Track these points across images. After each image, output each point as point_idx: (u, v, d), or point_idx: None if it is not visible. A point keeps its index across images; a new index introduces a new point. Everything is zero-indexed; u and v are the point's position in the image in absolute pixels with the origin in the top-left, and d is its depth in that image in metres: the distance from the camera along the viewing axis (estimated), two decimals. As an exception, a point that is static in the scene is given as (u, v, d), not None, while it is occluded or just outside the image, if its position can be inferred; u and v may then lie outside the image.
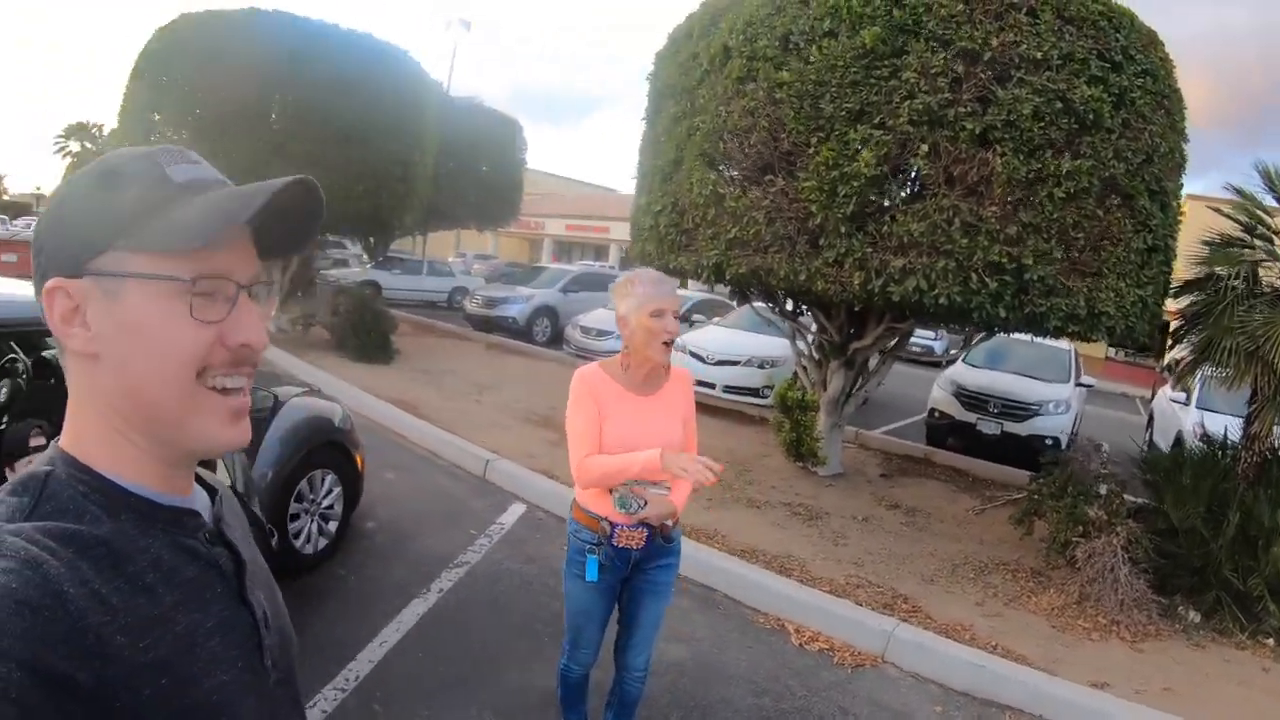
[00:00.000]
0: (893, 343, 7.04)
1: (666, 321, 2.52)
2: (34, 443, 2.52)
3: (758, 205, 5.54)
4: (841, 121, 5.08)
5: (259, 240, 0.81)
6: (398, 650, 3.73)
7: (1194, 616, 4.88)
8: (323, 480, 4.58)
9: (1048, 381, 10.07)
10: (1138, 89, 5.15)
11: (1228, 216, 5.90)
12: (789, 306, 7.39)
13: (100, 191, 0.73)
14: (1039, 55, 4.81)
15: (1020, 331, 6.20)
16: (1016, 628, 4.58)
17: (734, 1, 5.95)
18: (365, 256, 18.52)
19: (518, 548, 5.09)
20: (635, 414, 2.54)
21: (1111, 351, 24.13)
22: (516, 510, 5.75)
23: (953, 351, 15.35)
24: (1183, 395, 9.96)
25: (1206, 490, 5.22)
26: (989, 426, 9.44)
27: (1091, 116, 4.92)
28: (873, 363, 7.32)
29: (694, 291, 15.78)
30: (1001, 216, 4.84)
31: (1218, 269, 5.76)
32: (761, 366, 10.38)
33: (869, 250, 5.12)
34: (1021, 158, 4.81)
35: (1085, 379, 10.76)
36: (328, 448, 4.62)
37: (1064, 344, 10.15)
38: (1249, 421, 5.60)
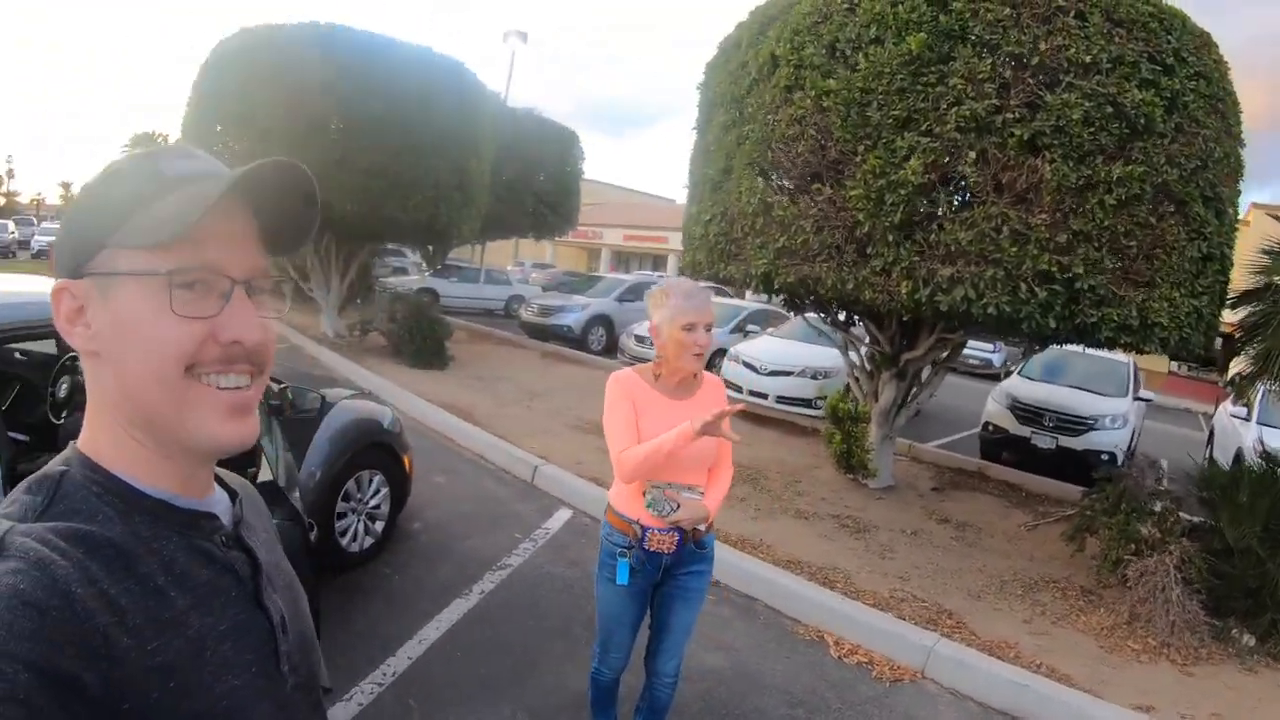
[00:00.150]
0: (944, 354, 6.92)
1: (698, 335, 2.55)
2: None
3: (806, 214, 5.51)
4: (888, 129, 5.03)
5: (265, 236, 0.80)
6: (436, 648, 3.79)
7: (1248, 640, 4.67)
8: (370, 481, 4.67)
9: (1105, 395, 9.82)
10: (1190, 92, 4.98)
11: (1290, 224, 5.70)
12: (841, 317, 7.33)
13: (100, 192, 0.74)
14: (1088, 59, 4.69)
15: (1071, 343, 6.03)
16: (1063, 647, 4.45)
17: (782, 10, 5.93)
18: (424, 265, 18.84)
19: (561, 552, 5.13)
20: (669, 416, 2.56)
21: (1174, 366, 23.27)
22: (562, 515, 5.80)
23: (1010, 365, 15.04)
24: (1243, 410, 9.59)
25: (1264, 509, 4.99)
26: (1044, 441, 9.24)
27: (1143, 121, 4.78)
28: (925, 374, 7.21)
29: (749, 302, 15.73)
30: (1051, 224, 4.72)
31: (1277, 278, 5.55)
32: (814, 377, 10.30)
33: (916, 259, 5.05)
34: (1071, 164, 4.70)
35: (1144, 393, 10.46)
36: (376, 449, 4.71)
37: (1122, 357, 9.89)
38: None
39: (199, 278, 0.72)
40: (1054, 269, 4.77)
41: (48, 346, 3.60)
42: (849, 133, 5.18)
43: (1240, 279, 5.98)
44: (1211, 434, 12.10)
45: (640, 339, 13.69)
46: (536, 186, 18.06)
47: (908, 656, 4.16)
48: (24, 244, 30.63)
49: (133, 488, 0.74)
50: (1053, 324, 4.87)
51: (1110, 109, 4.72)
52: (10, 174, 70.06)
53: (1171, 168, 4.92)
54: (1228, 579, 4.88)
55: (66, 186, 66.95)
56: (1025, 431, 9.38)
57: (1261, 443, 6.88)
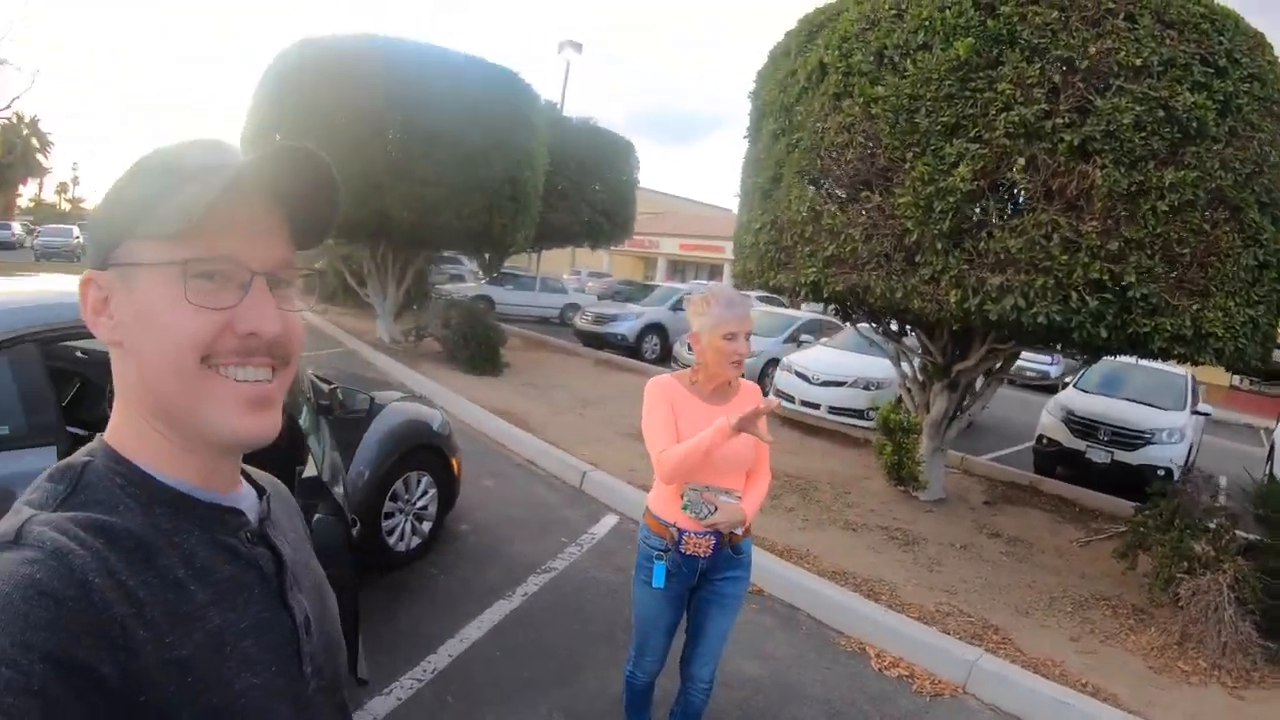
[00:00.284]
0: (997, 365, 6.78)
1: (738, 344, 2.58)
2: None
3: (854, 222, 5.47)
4: (937, 136, 4.97)
5: (292, 228, 0.80)
6: (477, 647, 3.85)
7: (1302, 663, 4.49)
8: (418, 482, 4.75)
9: (1162, 409, 9.54)
10: (1244, 95, 4.82)
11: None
12: (893, 327, 7.25)
13: (125, 186, 0.75)
14: (1138, 62, 4.58)
15: (1123, 354, 5.86)
16: (1110, 666, 4.33)
17: (830, 17, 5.92)
18: (480, 272, 19.11)
19: (606, 557, 5.16)
20: (706, 421, 2.57)
21: (1236, 380, 22.36)
22: (609, 521, 5.84)
23: (1068, 377, 14.69)
24: (1305, 425, 9.26)
25: (1322, 528, 4.81)
26: (1098, 454, 9.01)
27: (1195, 125, 4.64)
28: (979, 385, 7.09)
29: (803, 312, 15.63)
30: (1102, 232, 4.61)
31: None
32: (867, 388, 10.18)
33: (965, 267, 4.97)
34: (1122, 170, 4.58)
35: (1203, 407, 10.13)
36: (425, 451, 4.79)
37: (1180, 370, 9.58)
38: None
39: (216, 268, 0.72)
40: (1105, 277, 4.65)
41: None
42: (897, 140, 5.13)
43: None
44: (1272, 450, 11.70)
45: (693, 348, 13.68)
46: (592, 196, 18.19)
47: (949, 671, 4.10)
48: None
49: (155, 480, 0.74)
50: (1104, 334, 4.75)
51: (1162, 113, 4.60)
52: (76, 181, 72.72)
53: (1225, 173, 4.76)
54: (1283, 600, 4.70)
55: (64, 188, 69.25)
56: (1080, 445, 9.16)
57: None
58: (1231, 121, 4.81)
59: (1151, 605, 5.16)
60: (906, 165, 5.11)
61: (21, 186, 54.06)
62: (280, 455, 3.15)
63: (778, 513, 6.20)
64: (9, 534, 0.63)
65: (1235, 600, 4.50)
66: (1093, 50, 4.60)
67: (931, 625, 4.45)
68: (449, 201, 10.88)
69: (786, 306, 16.17)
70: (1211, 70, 4.74)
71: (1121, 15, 4.69)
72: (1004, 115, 4.74)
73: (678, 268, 42.79)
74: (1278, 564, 4.81)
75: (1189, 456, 9.27)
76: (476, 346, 11.28)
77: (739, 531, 2.69)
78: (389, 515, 4.52)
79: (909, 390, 7.35)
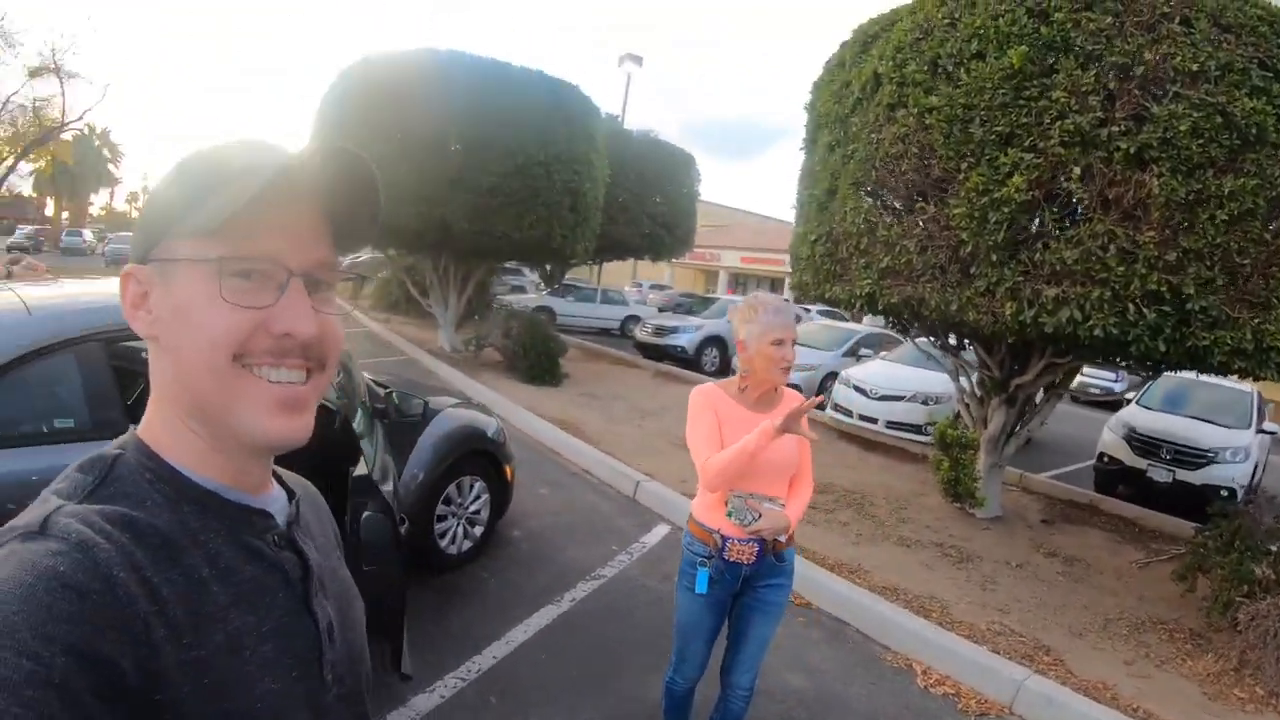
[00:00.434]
0: (1056, 380, 6.62)
1: (786, 350, 2.62)
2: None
3: (909, 233, 5.43)
4: (991, 145, 4.90)
5: (335, 229, 0.80)
6: (522, 650, 3.91)
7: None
8: (471, 486, 4.84)
9: (1226, 427, 9.19)
10: (1306, 99, 4.62)
11: None
12: (951, 341, 7.14)
13: (169, 183, 0.75)
14: (1195, 67, 4.44)
15: (1183, 368, 5.65)
16: (1164, 691, 4.19)
17: (884, 28, 5.90)
18: (541, 284, 19.32)
19: (656, 566, 5.18)
20: (751, 429, 2.59)
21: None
22: (660, 531, 5.86)
23: (1130, 393, 14.23)
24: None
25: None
26: (1160, 473, 8.74)
27: (1254, 131, 4.47)
28: (1037, 400, 6.93)
29: (863, 325, 15.46)
30: (1160, 242, 4.48)
31: None
32: (925, 403, 10.03)
33: (1021, 279, 4.88)
34: (1180, 178, 4.45)
35: (1269, 425, 9.69)
36: (478, 456, 4.89)
37: (1246, 386, 9.23)
38: None
39: (253, 267, 0.72)
40: (1163, 289, 4.52)
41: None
42: (952, 150, 5.08)
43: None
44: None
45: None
46: (652, 208, 18.25)
47: (996, 690, 4.01)
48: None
49: (184, 477, 0.74)
50: (1162, 347, 4.60)
51: (1220, 119, 4.45)
52: (145, 190, 76.10)
53: (1287, 180, 4.58)
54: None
55: (134, 197, 71.71)
56: (1141, 463, 8.90)
57: None
58: (1292, 127, 4.62)
59: (1209, 630, 4.98)
60: (961, 176, 5.05)
61: (93, 196, 56.50)
62: (334, 456, 3.27)
63: (831, 527, 6.16)
64: (35, 523, 0.63)
65: (1296, 626, 4.32)
66: (1148, 56, 4.49)
67: (981, 644, 4.36)
68: (508, 212, 11.04)
69: (847, 320, 16.00)
70: (1270, 74, 4.57)
71: (1177, 19, 4.57)
72: (1059, 124, 4.65)
73: (739, 280, 42.66)
74: (1342, 590, 4.61)
75: (1254, 477, 8.96)
76: (536, 357, 11.40)
77: (782, 539, 2.70)
78: (441, 518, 4.62)
79: (967, 405, 7.23)
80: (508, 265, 20.07)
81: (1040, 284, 4.80)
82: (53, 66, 25.51)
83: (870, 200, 5.88)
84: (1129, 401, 10.95)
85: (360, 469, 2.97)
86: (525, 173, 11.09)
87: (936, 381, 9.76)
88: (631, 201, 17.24)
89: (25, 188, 50.91)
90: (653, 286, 36.04)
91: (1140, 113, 4.58)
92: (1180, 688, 4.29)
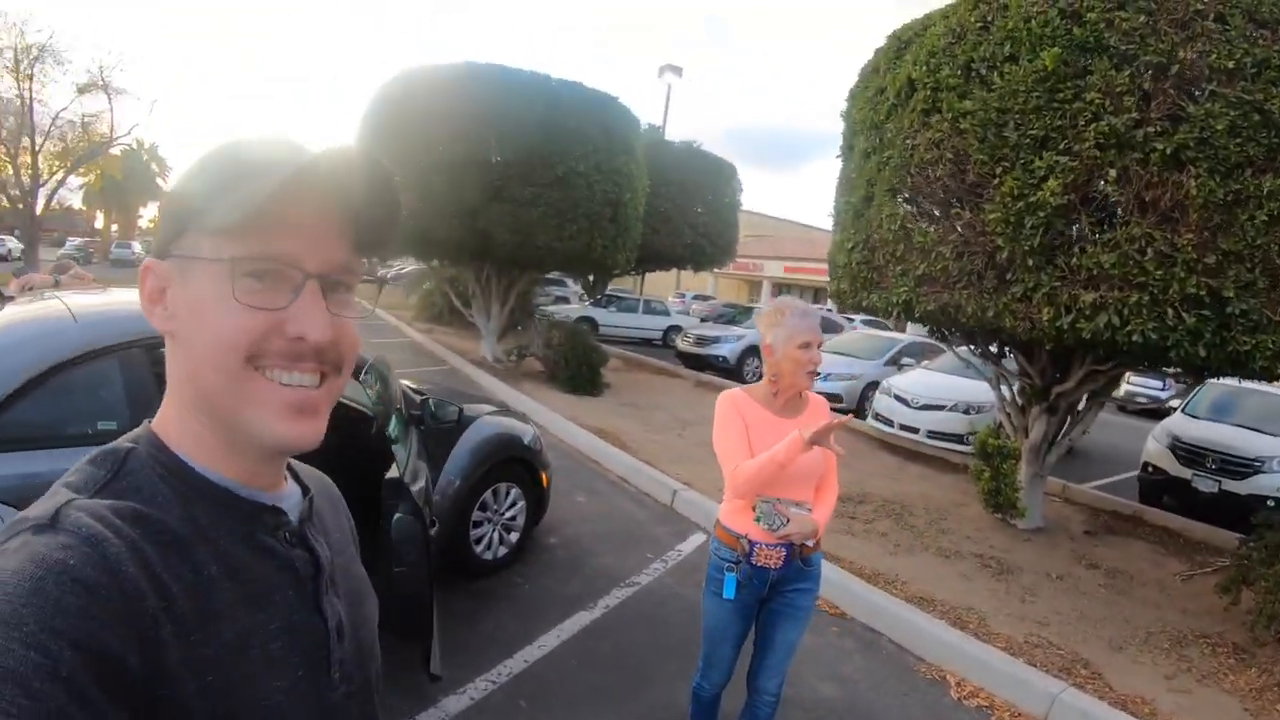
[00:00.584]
0: (1098, 387, 6.48)
1: (813, 353, 2.64)
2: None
3: (945, 240, 5.39)
4: (1026, 149, 4.84)
5: (356, 231, 0.78)
6: (553, 654, 3.94)
7: None
8: (507, 493, 4.89)
9: (1274, 435, 8.86)
10: (1345, 94, 4.46)
11: None
12: (992, 349, 7.05)
13: (191, 177, 0.74)
14: (1231, 64, 4.34)
15: (1224, 374, 5.51)
16: (1205, 707, 4.08)
17: (917, 33, 5.88)
18: (584, 294, 19.43)
19: (690, 574, 5.18)
20: (778, 434, 2.61)
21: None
22: (696, 539, 5.86)
23: (1174, 401, 13.81)
24: None
25: None
26: (1205, 484, 8.46)
27: None
28: (1080, 409, 6.80)
29: (906, 335, 15.29)
30: (1199, 244, 4.37)
31: None
32: (966, 412, 9.88)
33: (1058, 284, 4.80)
34: (1218, 178, 4.34)
35: None
36: (515, 464, 4.94)
37: (1295, 391, 8.92)
38: None
39: (268, 268, 0.71)
40: (1203, 292, 4.41)
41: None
42: (986, 154, 5.03)
43: None
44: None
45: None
46: (694, 218, 18.27)
47: (1030, 703, 3.94)
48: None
49: (196, 472, 0.74)
50: (1203, 353, 4.49)
51: (1257, 117, 4.34)
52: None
53: (1328, 178, 4.43)
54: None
55: None
56: (1186, 473, 8.64)
57: None
58: (1333, 124, 4.48)
59: (1254, 644, 4.84)
60: (996, 180, 5.00)
61: (142, 209, 58.13)
62: (373, 461, 3.35)
63: (870, 537, 6.11)
64: (45, 517, 0.63)
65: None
66: (1183, 54, 4.41)
67: (1018, 657, 4.28)
68: (549, 223, 11.15)
69: (890, 329, 15.83)
70: None
71: (1211, 16, 4.48)
72: (1093, 125, 4.59)
73: (783, 290, 42.46)
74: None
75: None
76: (577, 367, 11.46)
77: (810, 543, 2.70)
78: (477, 524, 4.67)
79: (1008, 414, 7.12)
80: (551, 276, 20.20)
81: (1077, 289, 4.72)
82: (100, 83, 26.37)
83: (906, 207, 5.85)
84: (1172, 410, 10.68)
85: (392, 472, 3.03)
86: (565, 184, 11.20)
87: (978, 390, 9.63)
88: (673, 212, 17.28)
89: (75, 201, 52.57)
90: (696, 297, 36.03)
91: (1176, 112, 4.49)
92: (1221, 703, 4.18)
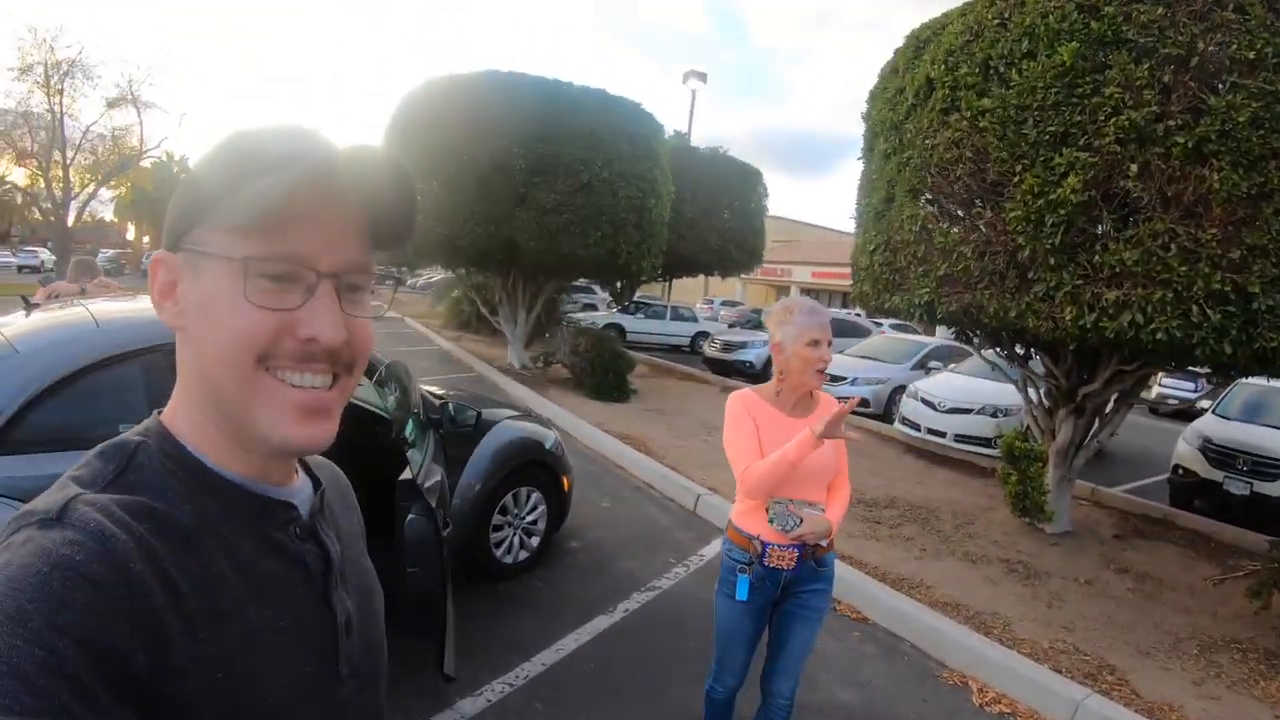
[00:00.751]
0: (1125, 388, 6.37)
1: (822, 350, 2.62)
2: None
3: (966, 239, 5.33)
4: (1045, 146, 4.77)
5: (371, 230, 0.77)
6: (572, 657, 3.95)
7: None
8: (528, 497, 4.91)
9: None
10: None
11: None
12: (1019, 351, 6.96)
13: (205, 167, 0.72)
14: (1252, 55, 4.23)
15: (1252, 373, 5.38)
16: (1233, 714, 3.98)
17: (935, 32, 5.83)
18: (611, 301, 19.45)
19: (712, 579, 5.09)
20: (788, 433, 2.60)
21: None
22: (719, 544, 5.82)
23: (1203, 402, 13.50)
24: None
25: None
26: (1237, 485, 8.26)
27: None
28: (1107, 410, 6.68)
29: (934, 338, 15.15)
30: (1223, 239, 4.26)
31: None
32: (994, 415, 9.76)
33: (1080, 282, 4.72)
34: (1241, 171, 4.22)
35: None
36: (536, 468, 4.95)
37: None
38: None
39: (281, 269, 0.70)
40: (1228, 288, 4.30)
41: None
42: (1005, 152, 4.97)
43: None
44: None
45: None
46: (720, 224, 18.21)
47: (1054, 709, 3.87)
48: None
49: (206, 467, 0.73)
50: (1229, 350, 4.37)
51: None
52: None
53: (1355, 170, 4.29)
54: None
55: None
56: (1217, 475, 8.44)
57: None
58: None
59: (1285, 650, 4.73)
60: (1016, 178, 4.93)
61: None
62: (383, 461, 3.38)
63: (895, 542, 6.05)
64: (52, 511, 0.62)
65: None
66: (1202, 46, 4.31)
67: (1043, 663, 4.21)
68: (573, 230, 11.18)
69: (918, 333, 15.69)
70: None
71: (1230, 6, 4.37)
72: (1113, 120, 4.50)
73: (811, 296, 42.27)
74: None
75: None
76: (604, 373, 11.51)
77: (823, 543, 2.68)
78: (498, 528, 4.69)
79: (1035, 417, 7.02)
80: (579, 284, 20.24)
81: (1100, 287, 4.64)
82: (130, 97, 26.83)
83: (927, 207, 5.79)
84: (1203, 411, 10.46)
85: (406, 474, 3.06)
86: (590, 190, 11.25)
87: (1006, 393, 9.51)
88: (699, 217, 17.24)
89: (107, 214, 53.63)
90: (724, 303, 35.97)
91: (1197, 105, 4.39)
92: (1251, 710, 4.07)
